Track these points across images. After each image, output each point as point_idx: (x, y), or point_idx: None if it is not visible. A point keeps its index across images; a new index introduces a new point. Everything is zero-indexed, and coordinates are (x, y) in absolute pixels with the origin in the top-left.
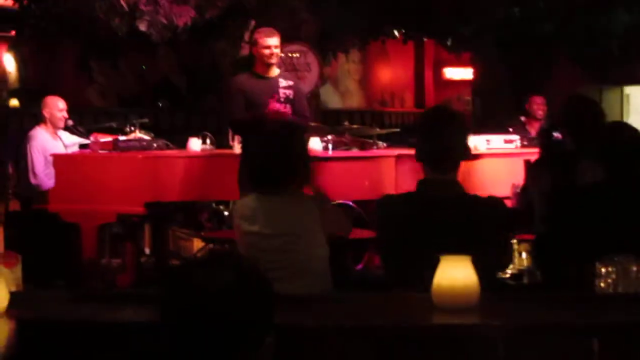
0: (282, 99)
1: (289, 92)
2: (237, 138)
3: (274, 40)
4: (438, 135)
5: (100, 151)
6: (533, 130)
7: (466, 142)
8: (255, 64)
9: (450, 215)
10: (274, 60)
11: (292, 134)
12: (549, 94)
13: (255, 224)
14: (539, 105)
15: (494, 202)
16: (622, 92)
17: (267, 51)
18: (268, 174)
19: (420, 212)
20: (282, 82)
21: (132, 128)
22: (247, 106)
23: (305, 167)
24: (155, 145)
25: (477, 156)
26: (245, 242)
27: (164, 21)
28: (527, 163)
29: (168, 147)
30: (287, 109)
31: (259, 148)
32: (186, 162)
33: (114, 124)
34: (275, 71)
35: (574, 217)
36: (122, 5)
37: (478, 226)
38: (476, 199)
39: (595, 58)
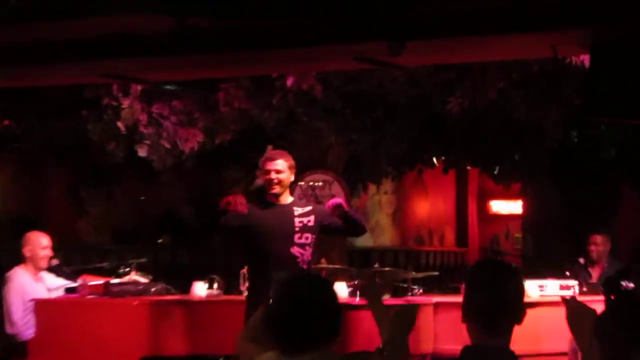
0: (297, 229)
1: (306, 219)
2: (247, 282)
3: (273, 164)
4: (491, 293)
5: (90, 296)
6: (595, 274)
7: (522, 303)
8: (265, 191)
9: None
10: (276, 188)
11: (324, 284)
12: (614, 231)
13: None
14: (602, 246)
15: None
16: None
17: (267, 176)
18: (296, 330)
19: None
20: (298, 210)
21: (127, 269)
22: (258, 238)
23: (338, 322)
24: (153, 289)
25: (530, 305)
26: None
27: (167, 146)
28: None
29: (168, 292)
30: (306, 251)
31: (284, 299)
32: (189, 310)
33: (105, 264)
34: (287, 198)
35: None
36: (118, 128)
37: None
38: None
39: None
